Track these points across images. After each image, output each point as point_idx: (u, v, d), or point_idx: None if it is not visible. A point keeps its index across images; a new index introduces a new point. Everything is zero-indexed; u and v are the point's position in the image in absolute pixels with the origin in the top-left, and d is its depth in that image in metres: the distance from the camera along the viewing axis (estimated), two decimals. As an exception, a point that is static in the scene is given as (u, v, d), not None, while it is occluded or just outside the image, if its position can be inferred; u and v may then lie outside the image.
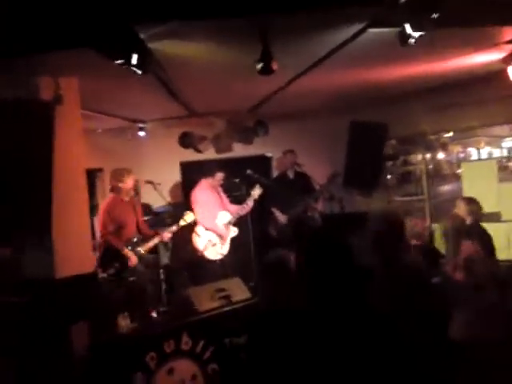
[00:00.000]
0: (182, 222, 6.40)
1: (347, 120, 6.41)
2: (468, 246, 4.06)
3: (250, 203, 7.11)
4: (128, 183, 6.04)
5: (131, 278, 5.79)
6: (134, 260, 5.83)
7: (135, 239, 6.00)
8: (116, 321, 4.46)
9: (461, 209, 5.19)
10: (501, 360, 2.62)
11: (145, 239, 6.10)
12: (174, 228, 6.32)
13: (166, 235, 6.21)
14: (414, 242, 4.75)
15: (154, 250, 6.49)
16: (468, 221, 5.14)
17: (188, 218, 6.47)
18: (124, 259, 5.78)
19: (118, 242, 5.84)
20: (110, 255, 5.78)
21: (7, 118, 3.91)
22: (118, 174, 6.07)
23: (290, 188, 7.46)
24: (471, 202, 5.23)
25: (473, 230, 5.04)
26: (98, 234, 7.26)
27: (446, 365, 2.63)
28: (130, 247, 5.89)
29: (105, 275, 5.60)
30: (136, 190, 6.31)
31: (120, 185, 6.02)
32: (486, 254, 4.56)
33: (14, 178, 3.87)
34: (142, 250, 5.98)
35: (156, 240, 6.15)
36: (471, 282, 3.50)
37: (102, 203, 6.10)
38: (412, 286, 2.86)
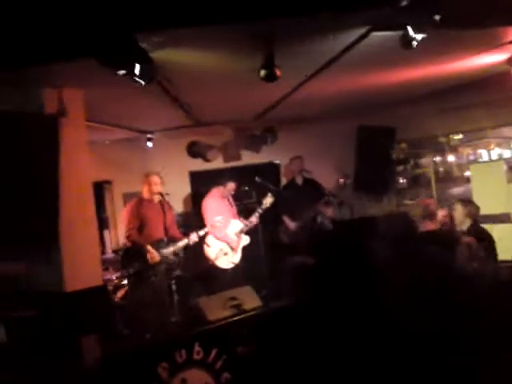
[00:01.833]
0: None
1: (355, 125, 6.41)
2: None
3: (254, 220, 7.07)
4: (151, 184, 6.26)
5: (153, 278, 5.92)
6: (155, 257, 5.94)
7: (162, 241, 6.13)
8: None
9: (458, 212, 5.13)
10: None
11: (172, 241, 6.22)
12: (202, 232, 6.41)
13: (193, 238, 6.28)
14: (429, 226, 4.64)
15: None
16: (467, 223, 5.08)
17: (268, 201, 6.84)
18: (146, 258, 5.90)
19: (140, 239, 6.01)
20: (132, 254, 5.96)
21: (12, 130, 3.92)
22: (144, 177, 6.37)
23: (300, 194, 7.43)
24: (468, 204, 5.16)
25: (472, 232, 4.98)
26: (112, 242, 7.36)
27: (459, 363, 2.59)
28: (155, 248, 6.02)
29: (126, 273, 5.81)
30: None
31: (144, 186, 6.31)
32: (487, 255, 4.56)
33: (20, 192, 3.88)
34: (167, 251, 6.09)
35: (182, 243, 6.24)
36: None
37: (128, 203, 6.45)
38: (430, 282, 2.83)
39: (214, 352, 4.01)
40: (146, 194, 6.30)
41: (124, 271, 5.81)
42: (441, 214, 5.29)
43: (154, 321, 5.59)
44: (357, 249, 2.22)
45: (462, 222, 5.12)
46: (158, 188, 6.30)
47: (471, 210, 5.09)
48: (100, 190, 8.12)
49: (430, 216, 4.72)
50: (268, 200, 7.03)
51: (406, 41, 3.69)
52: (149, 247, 5.95)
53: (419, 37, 3.60)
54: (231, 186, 7.19)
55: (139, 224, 6.10)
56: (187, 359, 3.89)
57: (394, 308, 2.21)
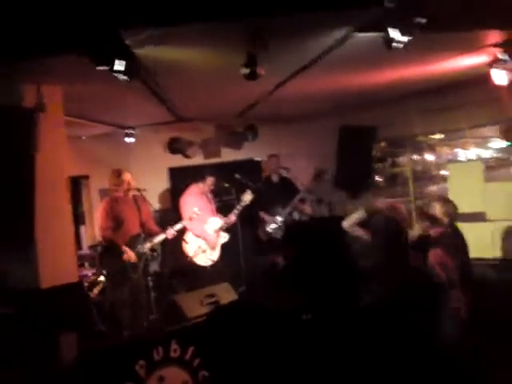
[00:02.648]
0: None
1: (337, 123, 6.44)
2: (436, 253, 4.21)
3: (232, 217, 7.07)
4: (122, 182, 6.15)
5: (133, 275, 5.85)
6: (132, 257, 5.87)
7: (139, 237, 6.07)
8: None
9: (436, 210, 5.15)
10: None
11: (149, 237, 6.15)
12: (179, 226, 6.36)
13: (171, 233, 6.21)
14: None
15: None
16: (444, 222, 5.10)
17: (247, 198, 6.88)
18: (123, 257, 5.84)
19: (116, 238, 5.91)
20: (109, 253, 5.90)
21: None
22: (113, 174, 6.21)
23: (275, 192, 7.45)
24: (446, 202, 5.17)
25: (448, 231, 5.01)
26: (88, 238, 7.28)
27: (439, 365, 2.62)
28: (132, 244, 5.96)
29: (104, 272, 5.79)
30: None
31: (115, 184, 6.16)
32: (460, 255, 4.63)
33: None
34: (145, 247, 6.03)
35: (160, 238, 6.17)
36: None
37: (101, 202, 6.32)
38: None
39: (191, 350, 4.00)
40: (120, 192, 6.17)
41: (102, 270, 5.74)
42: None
43: (131, 318, 5.56)
44: (331, 245, 2.22)
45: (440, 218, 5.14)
46: (132, 184, 6.23)
47: (449, 209, 5.10)
48: (77, 185, 8.04)
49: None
50: (247, 197, 7.02)
51: (389, 42, 3.70)
52: (125, 248, 5.87)
53: (402, 39, 3.61)
54: (210, 180, 7.16)
55: (115, 223, 5.99)
56: (164, 357, 3.87)
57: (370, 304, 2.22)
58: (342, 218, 6.40)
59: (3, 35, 3.51)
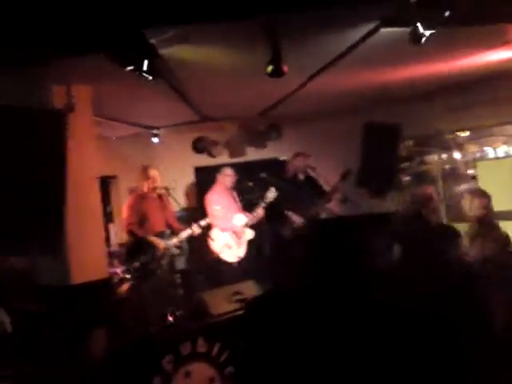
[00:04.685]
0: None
1: (361, 122, 6.39)
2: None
3: (260, 212, 7.06)
4: (148, 177, 6.31)
5: (158, 271, 5.97)
6: (161, 246, 6.01)
7: (164, 233, 6.20)
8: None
9: (469, 202, 4.99)
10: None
11: (174, 233, 6.25)
12: (204, 222, 6.42)
13: (196, 229, 6.27)
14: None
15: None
16: (480, 215, 4.93)
17: (271, 195, 6.80)
18: (150, 250, 5.95)
19: (141, 232, 6.07)
20: (136, 247, 6.02)
21: (20, 125, 3.93)
22: (141, 172, 6.40)
23: (302, 191, 7.42)
24: (482, 195, 5.01)
25: (486, 224, 4.85)
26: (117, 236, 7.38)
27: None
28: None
29: (131, 268, 5.87)
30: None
31: (143, 182, 6.35)
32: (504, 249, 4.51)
33: (26, 186, 3.88)
34: (171, 243, 6.15)
35: (185, 234, 6.25)
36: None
37: (127, 199, 6.53)
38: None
39: (217, 345, 4.03)
40: (147, 189, 6.31)
41: (129, 265, 5.84)
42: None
43: (158, 314, 5.62)
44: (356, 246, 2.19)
45: (473, 213, 4.97)
46: (158, 181, 6.35)
47: (483, 201, 4.93)
48: (105, 184, 8.14)
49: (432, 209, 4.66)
50: (270, 194, 7.02)
51: (416, 37, 3.67)
52: (152, 238, 6.00)
53: (428, 33, 3.58)
54: (228, 170, 7.25)
55: (140, 218, 6.14)
56: (191, 352, 3.91)
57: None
58: (369, 217, 6.33)
59: (32, 36, 3.58)
